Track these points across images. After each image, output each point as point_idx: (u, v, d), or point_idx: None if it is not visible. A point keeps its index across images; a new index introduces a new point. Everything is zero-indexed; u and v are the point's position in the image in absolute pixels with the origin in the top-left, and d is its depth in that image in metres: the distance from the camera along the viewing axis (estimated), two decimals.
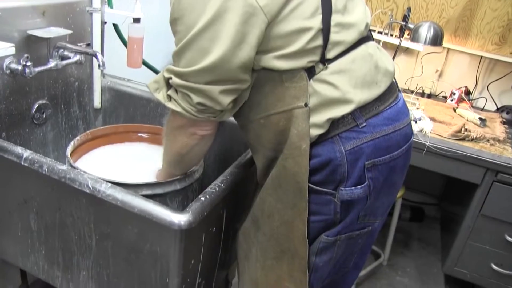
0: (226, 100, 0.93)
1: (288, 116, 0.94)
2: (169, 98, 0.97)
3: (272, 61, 0.91)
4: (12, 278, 1.50)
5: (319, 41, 0.91)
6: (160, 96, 0.98)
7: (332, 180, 0.96)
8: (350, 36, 0.95)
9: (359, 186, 0.96)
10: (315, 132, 0.94)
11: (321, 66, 0.93)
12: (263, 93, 0.97)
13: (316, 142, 0.95)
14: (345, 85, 0.94)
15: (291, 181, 0.96)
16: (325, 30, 0.91)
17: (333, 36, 0.93)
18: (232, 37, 0.85)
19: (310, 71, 0.93)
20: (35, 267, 1.22)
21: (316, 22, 0.90)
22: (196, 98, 0.92)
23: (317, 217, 1.00)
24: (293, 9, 0.88)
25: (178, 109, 0.95)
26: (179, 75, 0.91)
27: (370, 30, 1.07)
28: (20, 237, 1.20)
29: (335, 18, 0.92)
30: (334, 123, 0.94)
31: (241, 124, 1.07)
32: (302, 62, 0.92)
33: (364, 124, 0.95)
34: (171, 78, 0.93)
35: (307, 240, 0.99)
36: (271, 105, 0.96)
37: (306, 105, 0.92)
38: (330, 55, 0.93)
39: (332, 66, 0.94)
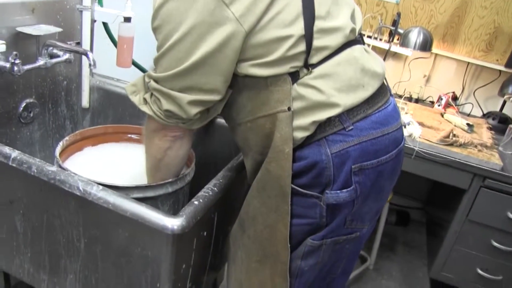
0: (193, 110, 0.95)
1: (272, 119, 0.95)
2: (145, 101, 1.01)
3: (253, 69, 0.92)
4: None
5: (302, 48, 0.91)
6: (136, 99, 1.02)
7: (318, 183, 0.96)
8: (334, 40, 0.95)
9: (344, 190, 0.96)
10: (301, 134, 0.94)
11: (305, 70, 0.93)
12: (249, 97, 0.97)
13: (302, 145, 0.95)
14: (329, 89, 0.93)
15: (275, 184, 0.96)
16: (308, 37, 0.91)
17: (316, 42, 0.92)
18: (209, 48, 0.87)
19: (294, 76, 0.93)
20: (20, 270, 1.19)
21: (297, 29, 0.90)
22: (165, 104, 0.95)
23: (303, 220, 0.99)
24: (272, 18, 0.88)
25: (150, 112, 0.99)
26: (155, 79, 0.95)
27: (361, 34, 1.07)
28: (5, 239, 1.17)
29: (317, 24, 0.92)
30: (321, 125, 0.94)
31: (230, 126, 1.08)
32: (284, 68, 0.92)
33: (351, 127, 0.94)
34: (149, 82, 0.97)
35: (289, 245, 0.99)
36: (257, 108, 0.97)
37: (289, 109, 0.93)
38: (313, 60, 0.93)
39: (316, 71, 0.93)
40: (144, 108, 1.00)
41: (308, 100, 0.93)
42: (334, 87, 0.94)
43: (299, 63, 0.92)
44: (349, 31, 0.98)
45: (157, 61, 0.94)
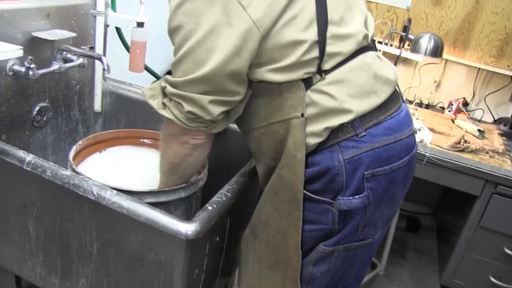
0: (216, 110, 0.94)
1: (286, 125, 0.95)
2: (164, 106, 0.99)
3: (267, 74, 0.93)
4: (7, 284, 1.47)
5: (315, 53, 0.91)
6: (155, 103, 1.00)
7: (330, 189, 0.96)
8: (347, 47, 0.95)
9: (357, 196, 0.95)
10: (313, 140, 0.94)
11: (318, 76, 0.93)
12: (263, 102, 0.98)
13: (315, 151, 0.95)
14: (342, 95, 0.93)
15: (287, 190, 0.96)
16: (321, 42, 0.91)
17: (329, 48, 0.92)
18: (226, 51, 0.87)
19: (307, 82, 0.93)
20: (32, 274, 1.20)
21: (311, 35, 0.90)
22: (186, 107, 0.93)
23: (315, 226, 0.99)
24: (287, 22, 0.88)
25: (170, 116, 0.97)
26: (173, 84, 0.94)
27: (373, 40, 1.07)
28: (17, 242, 1.17)
29: (331, 30, 0.92)
30: (334, 132, 0.94)
31: (243, 132, 1.08)
32: (298, 74, 0.92)
33: (363, 134, 0.94)
34: (166, 87, 0.96)
35: (300, 251, 0.98)
36: (271, 114, 0.97)
37: (302, 115, 0.93)
38: (326, 66, 0.93)
39: (329, 77, 0.93)
40: (164, 112, 0.98)
41: (321, 106, 0.93)
42: (347, 93, 0.94)
43: (312, 69, 0.92)
44: (362, 37, 0.98)
45: (175, 65, 0.93)
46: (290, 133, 0.94)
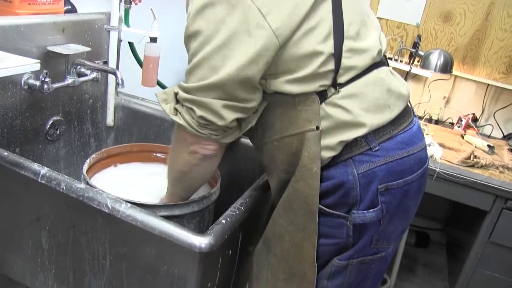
0: (229, 116, 0.93)
1: (300, 138, 0.95)
2: (175, 111, 0.98)
3: (283, 85, 0.92)
4: None
5: (331, 66, 0.92)
6: (167, 108, 0.98)
7: (344, 203, 0.96)
8: (362, 61, 0.96)
9: (371, 210, 0.96)
10: (328, 154, 0.94)
11: (332, 90, 0.94)
12: (277, 115, 0.98)
13: (329, 165, 0.95)
14: (356, 109, 0.94)
15: (302, 203, 0.96)
16: (337, 55, 0.92)
17: (345, 61, 0.93)
18: (243, 59, 0.86)
19: (322, 95, 0.93)
20: (44, 287, 1.20)
21: (328, 47, 0.91)
22: (198, 112, 0.92)
23: (330, 240, 0.99)
24: (305, 33, 0.89)
25: (182, 122, 0.95)
26: (186, 90, 0.92)
27: (385, 56, 1.08)
28: (30, 255, 1.18)
29: (347, 44, 0.93)
30: (348, 146, 0.94)
31: (256, 145, 1.08)
32: (314, 86, 0.92)
33: (377, 148, 0.95)
34: (178, 93, 0.95)
35: (316, 263, 0.98)
36: (285, 127, 0.97)
37: (317, 128, 0.93)
38: (341, 79, 0.94)
39: (344, 90, 0.94)
40: (175, 118, 0.96)
41: (335, 119, 0.93)
42: (361, 107, 0.94)
43: (327, 81, 0.93)
44: (376, 52, 0.99)
45: (190, 71, 0.92)
46: (305, 146, 0.94)
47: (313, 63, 0.90)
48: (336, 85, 0.94)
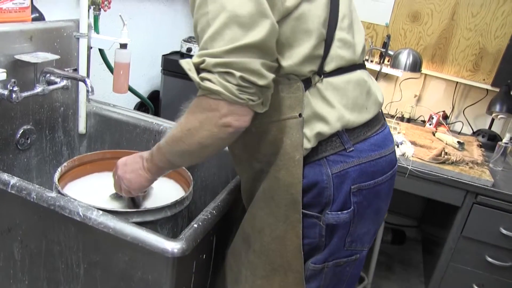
0: (269, 74, 0.85)
1: (281, 126, 0.95)
2: (202, 80, 0.86)
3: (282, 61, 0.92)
4: None
5: (321, 51, 0.94)
6: (195, 76, 0.86)
7: (318, 203, 0.97)
8: (349, 54, 0.98)
9: (345, 211, 0.97)
10: (304, 144, 0.94)
11: (317, 78, 0.95)
12: None
13: (303, 164, 0.96)
14: (337, 103, 0.96)
15: (284, 193, 0.96)
16: (328, 42, 0.94)
17: (334, 50, 0.95)
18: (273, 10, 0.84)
19: (307, 82, 0.94)
20: None
21: (322, 31, 0.93)
22: (237, 73, 0.81)
23: (303, 241, 0.99)
24: (305, 11, 0.90)
25: (217, 87, 0.83)
26: (215, 55, 0.82)
27: (364, 60, 1.10)
28: (2, 267, 1.16)
29: (339, 33, 0.96)
30: (322, 144, 0.96)
31: None
32: (305, 70, 0.93)
33: (351, 149, 0.97)
34: (203, 62, 0.84)
35: (302, 253, 0.98)
36: (265, 114, 0.92)
37: (300, 115, 0.93)
38: (327, 68, 0.95)
39: (327, 81, 0.95)
40: (209, 85, 0.83)
41: (315, 109, 0.94)
42: (341, 102, 0.96)
43: (314, 67, 0.94)
44: (361, 51, 1.02)
45: (214, 37, 0.82)
46: (287, 134, 0.94)
47: (309, 41, 0.91)
48: (321, 73, 0.95)
